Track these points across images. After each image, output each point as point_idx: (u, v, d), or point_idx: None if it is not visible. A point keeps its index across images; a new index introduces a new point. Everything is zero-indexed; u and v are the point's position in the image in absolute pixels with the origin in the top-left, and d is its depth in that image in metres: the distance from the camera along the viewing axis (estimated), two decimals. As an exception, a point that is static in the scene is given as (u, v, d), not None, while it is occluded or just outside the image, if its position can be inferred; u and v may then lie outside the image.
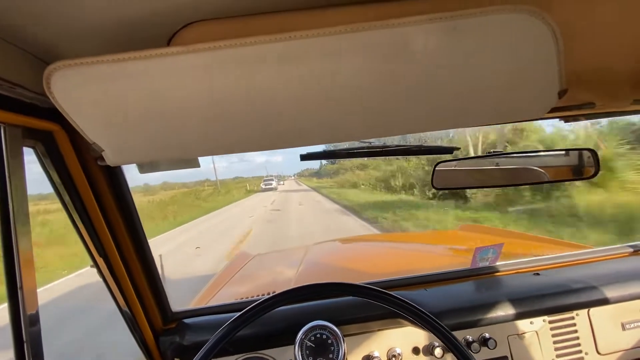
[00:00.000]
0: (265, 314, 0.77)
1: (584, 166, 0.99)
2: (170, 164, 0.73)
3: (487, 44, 0.46)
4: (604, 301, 1.00)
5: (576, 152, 1.00)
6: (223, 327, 0.74)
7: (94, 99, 0.48)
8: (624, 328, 1.00)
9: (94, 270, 0.84)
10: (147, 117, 0.52)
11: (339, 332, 0.91)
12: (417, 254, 1.89)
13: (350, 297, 0.81)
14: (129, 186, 0.84)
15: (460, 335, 0.96)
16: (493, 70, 0.50)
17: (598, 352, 0.98)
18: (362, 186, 21.63)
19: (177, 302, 1.08)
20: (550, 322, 0.99)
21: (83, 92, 0.47)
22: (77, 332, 3.97)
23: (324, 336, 0.91)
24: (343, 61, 0.47)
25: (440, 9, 0.43)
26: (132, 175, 0.86)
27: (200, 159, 0.74)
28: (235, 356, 0.95)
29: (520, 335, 0.98)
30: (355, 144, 0.91)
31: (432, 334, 0.77)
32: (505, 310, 0.98)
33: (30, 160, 0.61)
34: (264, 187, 35.45)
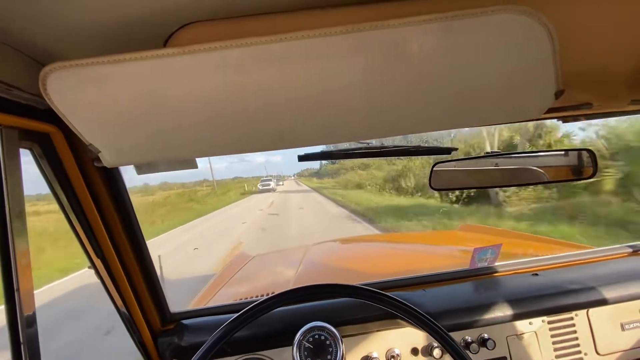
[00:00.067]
0: (264, 315, 0.77)
1: (584, 166, 0.99)
2: (168, 165, 0.73)
3: (483, 44, 0.46)
4: (603, 301, 1.00)
5: (575, 152, 1.00)
6: (221, 328, 0.74)
7: (90, 100, 0.48)
8: (623, 328, 1.00)
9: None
10: (143, 119, 0.52)
11: (337, 333, 0.91)
12: (416, 254, 1.88)
13: (349, 298, 0.82)
14: (126, 187, 0.84)
15: (459, 335, 0.96)
16: (489, 71, 0.50)
17: (597, 353, 0.98)
18: (368, 187, 19.84)
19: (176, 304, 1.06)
20: (549, 322, 0.99)
21: (79, 94, 0.47)
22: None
23: (322, 337, 0.91)
24: (341, 62, 0.47)
25: (437, 9, 0.43)
26: (132, 176, 0.86)
27: (198, 160, 0.74)
28: (234, 357, 0.95)
29: (519, 336, 0.98)
30: (354, 144, 0.91)
31: (430, 335, 0.77)
32: (504, 311, 0.98)
33: (26, 161, 0.60)
34: (261, 188, 33.91)
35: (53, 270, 6.88)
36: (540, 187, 6.72)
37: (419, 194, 12.80)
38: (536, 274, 1.14)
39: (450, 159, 1.03)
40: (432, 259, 1.74)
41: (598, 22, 0.52)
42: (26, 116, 0.58)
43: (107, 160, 0.59)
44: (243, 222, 11.97)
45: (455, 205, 9.78)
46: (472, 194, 9.30)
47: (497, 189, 8.12)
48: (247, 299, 1.32)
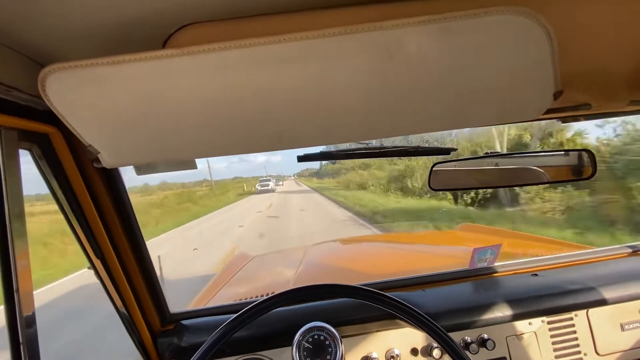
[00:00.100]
0: (263, 315, 0.77)
1: (583, 166, 0.99)
2: (167, 166, 0.73)
3: (481, 45, 0.46)
4: (603, 302, 1.00)
5: (574, 152, 1.00)
6: (220, 329, 0.74)
7: (89, 102, 0.48)
8: (623, 329, 0.99)
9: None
10: (142, 120, 0.52)
11: (336, 334, 0.91)
12: (416, 254, 1.89)
13: (348, 299, 0.82)
14: (126, 187, 0.84)
15: (458, 336, 0.96)
16: (488, 72, 0.50)
17: (597, 353, 0.98)
18: (372, 187, 18.83)
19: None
20: (549, 322, 0.99)
21: (78, 95, 0.47)
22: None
23: (322, 337, 0.91)
24: (340, 63, 0.47)
25: (435, 10, 0.43)
26: (131, 176, 0.86)
27: (198, 160, 0.75)
28: (233, 357, 0.95)
29: (519, 336, 0.97)
30: (353, 145, 0.91)
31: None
32: (504, 311, 0.98)
33: (24, 161, 0.61)
34: (259, 188, 32.62)
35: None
36: (565, 185, 6.20)
37: (428, 195, 11.62)
38: (536, 274, 1.14)
39: (450, 159, 1.03)
40: (431, 259, 1.74)
41: (597, 22, 0.52)
42: (25, 117, 0.58)
43: (106, 161, 0.59)
44: (240, 226, 10.88)
45: (470, 208, 9.00)
46: (488, 194, 8.63)
47: (516, 188, 7.40)
48: (246, 299, 1.32)
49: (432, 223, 8.12)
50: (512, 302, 0.99)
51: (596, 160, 0.95)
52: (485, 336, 0.95)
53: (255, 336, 0.95)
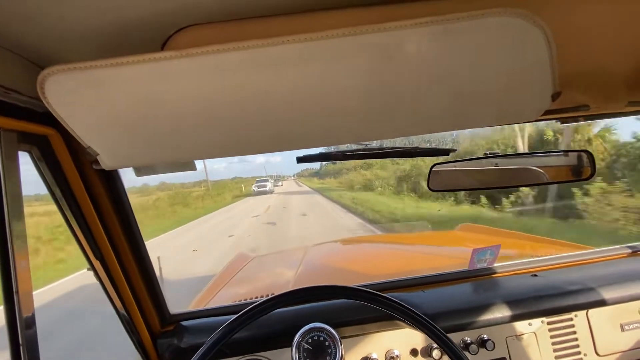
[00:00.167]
0: (263, 316, 0.77)
1: (583, 167, 0.99)
2: (166, 167, 0.73)
3: (480, 47, 0.46)
4: (603, 302, 1.00)
5: (573, 153, 1.00)
6: (220, 330, 0.74)
7: (88, 104, 0.49)
8: (622, 329, 0.99)
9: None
10: (141, 121, 0.52)
11: (336, 334, 0.91)
12: (416, 255, 1.88)
13: (348, 300, 0.82)
14: (125, 189, 0.85)
15: (458, 336, 0.96)
16: (486, 73, 0.50)
17: (597, 353, 0.98)
18: (379, 188, 16.79)
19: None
20: (548, 323, 0.99)
21: (77, 97, 0.47)
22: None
23: (321, 338, 0.91)
24: (339, 64, 0.47)
25: (434, 12, 0.43)
26: (131, 177, 0.86)
27: (195, 160, 0.75)
28: (233, 358, 0.95)
29: (519, 337, 0.97)
30: (353, 145, 0.91)
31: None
32: (503, 312, 0.98)
33: (24, 163, 0.61)
34: (256, 189, 29.75)
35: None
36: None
37: (452, 198, 9.46)
38: (535, 275, 1.14)
39: (449, 159, 1.03)
40: (431, 260, 1.74)
41: (596, 23, 0.52)
42: (25, 119, 0.58)
43: (105, 162, 0.59)
44: (230, 235, 9.16)
45: (507, 214, 7.26)
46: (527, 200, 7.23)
47: (571, 190, 6.22)
48: (246, 300, 1.32)
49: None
50: (511, 302, 0.99)
51: (595, 161, 0.95)
52: (485, 337, 0.95)
53: (255, 337, 0.95)
